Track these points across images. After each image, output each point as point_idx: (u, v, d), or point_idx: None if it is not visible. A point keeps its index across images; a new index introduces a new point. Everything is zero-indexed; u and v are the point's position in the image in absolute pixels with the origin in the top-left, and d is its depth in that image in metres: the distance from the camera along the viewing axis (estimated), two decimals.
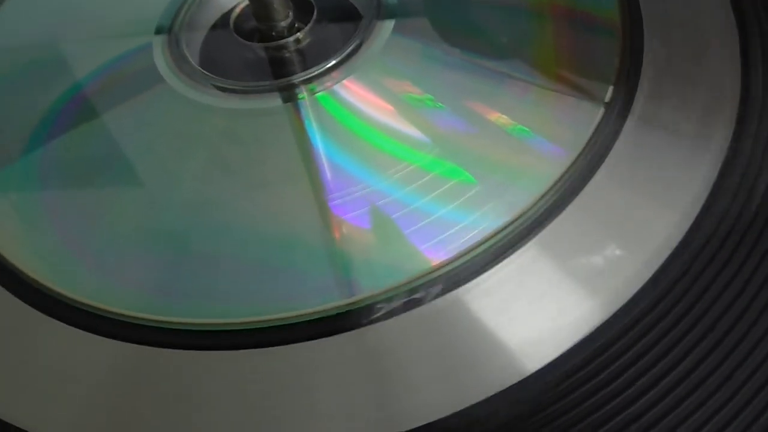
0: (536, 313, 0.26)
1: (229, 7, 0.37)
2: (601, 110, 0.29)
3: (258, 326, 0.27)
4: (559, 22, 0.33)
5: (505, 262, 0.27)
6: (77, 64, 0.36)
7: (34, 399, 0.27)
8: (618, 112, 0.29)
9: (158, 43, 0.36)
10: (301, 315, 0.26)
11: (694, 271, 0.26)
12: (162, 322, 0.27)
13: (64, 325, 0.28)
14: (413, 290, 0.26)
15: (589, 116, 0.29)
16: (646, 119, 0.29)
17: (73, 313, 0.28)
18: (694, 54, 0.31)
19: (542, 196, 0.28)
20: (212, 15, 0.38)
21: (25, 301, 0.29)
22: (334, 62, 0.33)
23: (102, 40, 0.37)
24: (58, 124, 0.34)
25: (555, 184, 0.28)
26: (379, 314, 0.26)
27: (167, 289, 0.28)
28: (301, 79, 0.33)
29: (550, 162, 0.29)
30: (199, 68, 0.34)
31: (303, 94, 0.32)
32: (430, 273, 0.27)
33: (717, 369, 0.24)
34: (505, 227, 0.27)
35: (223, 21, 0.37)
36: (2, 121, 0.35)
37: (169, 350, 0.27)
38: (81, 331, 0.28)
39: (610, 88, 0.30)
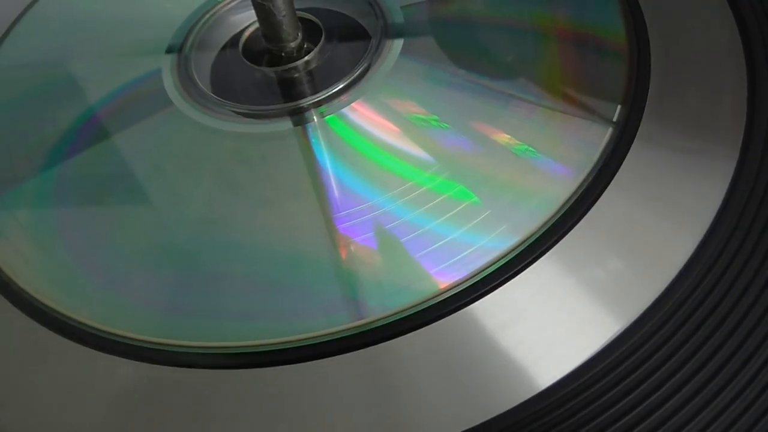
0: (546, 330, 0.26)
1: (240, 28, 0.38)
2: (610, 130, 0.30)
3: (267, 349, 0.27)
4: (566, 44, 0.33)
5: (514, 280, 0.27)
6: (89, 85, 0.36)
7: (47, 417, 0.27)
8: (626, 131, 0.30)
9: (168, 64, 0.36)
10: (310, 338, 0.27)
11: (705, 287, 0.26)
12: (171, 345, 0.27)
13: (76, 344, 0.28)
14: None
15: (597, 136, 0.30)
16: (653, 138, 0.29)
17: (84, 333, 0.28)
18: (701, 74, 0.31)
19: (551, 216, 0.28)
20: (223, 36, 0.38)
21: (38, 321, 0.29)
22: (342, 85, 0.33)
23: (114, 60, 0.37)
24: (71, 145, 0.34)
25: (564, 204, 0.28)
26: (388, 333, 0.26)
27: (177, 309, 0.28)
28: (310, 102, 0.33)
29: (558, 182, 0.29)
30: (209, 92, 0.35)
31: (312, 117, 0.33)
32: (438, 294, 0.27)
33: (729, 383, 0.24)
34: (514, 247, 0.27)
35: (233, 42, 0.38)
36: (15, 139, 0.35)
37: (179, 369, 0.27)
38: (93, 351, 0.28)
39: (618, 108, 0.30)
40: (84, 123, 0.35)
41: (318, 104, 0.33)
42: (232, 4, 0.38)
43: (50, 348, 0.28)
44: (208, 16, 0.38)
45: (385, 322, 0.26)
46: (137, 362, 0.27)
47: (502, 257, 0.27)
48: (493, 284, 0.27)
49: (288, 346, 0.27)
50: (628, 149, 0.29)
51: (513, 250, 0.27)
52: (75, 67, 0.38)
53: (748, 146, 0.29)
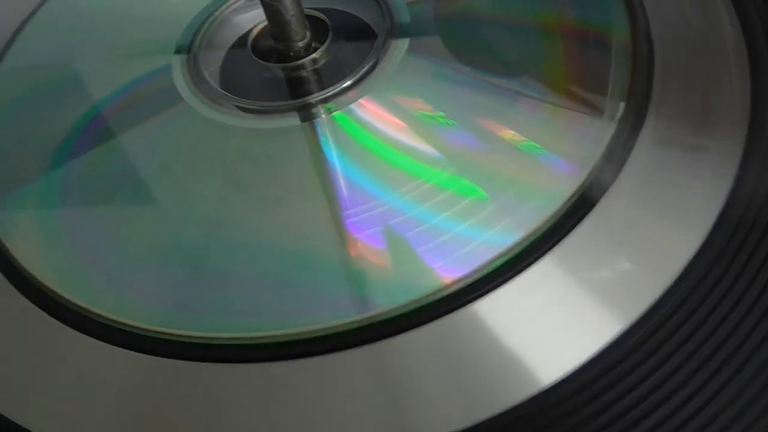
0: (550, 327, 0.26)
1: (248, 27, 0.38)
2: (614, 127, 0.30)
3: (273, 341, 0.27)
4: (570, 41, 0.34)
5: (518, 278, 0.27)
6: (99, 84, 0.37)
7: (58, 410, 0.27)
8: (630, 128, 0.30)
9: (178, 62, 0.36)
10: (316, 331, 0.27)
11: (707, 285, 0.26)
12: (180, 336, 0.28)
13: (86, 337, 0.28)
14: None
15: (601, 133, 0.30)
16: (657, 135, 0.29)
17: (94, 325, 0.29)
18: (704, 70, 0.31)
19: (555, 213, 0.28)
20: (231, 35, 0.38)
21: (49, 314, 0.29)
22: (350, 82, 0.33)
23: (123, 59, 0.38)
24: (80, 143, 0.35)
25: (568, 200, 0.28)
26: (394, 329, 0.26)
27: (185, 303, 0.29)
28: (318, 98, 0.33)
29: (562, 179, 0.29)
30: (218, 88, 0.35)
31: (320, 113, 0.33)
32: (443, 290, 0.27)
33: (731, 381, 0.24)
34: (519, 243, 0.27)
35: (242, 41, 0.38)
36: (26, 138, 0.36)
37: (188, 362, 0.27)
38: (102, 343, 0.28)
39: (622, 105, 0.30)
40: (95, 120, 0.35)
41: (325, 101, 0.33)
42: (240, 2, 0.39)
43: (60, 339, 0.29)
44: (216, 14, 0.38)
45: (390, 316, 0.27)
46: (146, 354, 0.27)
47: (507, 253, 0.27)
48: (497, 281, 0.27)
49: (293, 338, 0.27)
50: (633, 146, 0.29)
51: (518, 245, 0.27)
52: (84, 66, 0.38)
53: (752, 142, 0.29)
